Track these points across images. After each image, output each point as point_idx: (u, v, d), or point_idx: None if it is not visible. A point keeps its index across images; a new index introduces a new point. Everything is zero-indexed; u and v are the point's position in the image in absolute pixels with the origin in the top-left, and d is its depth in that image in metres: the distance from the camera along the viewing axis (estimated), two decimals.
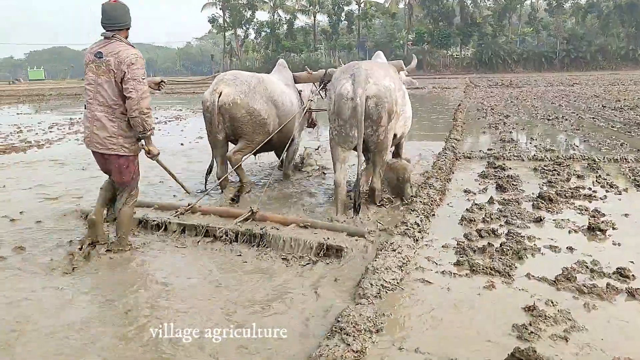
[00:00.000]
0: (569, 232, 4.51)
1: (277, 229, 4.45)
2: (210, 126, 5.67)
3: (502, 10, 65.07)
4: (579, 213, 5.04)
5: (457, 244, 4.15)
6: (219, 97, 5.50)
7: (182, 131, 13.21)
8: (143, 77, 3.91)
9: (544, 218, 4.82)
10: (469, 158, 8.14)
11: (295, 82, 6.82)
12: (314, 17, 73.72)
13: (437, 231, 4.60)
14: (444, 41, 67.31)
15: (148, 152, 4.24)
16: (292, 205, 5.65)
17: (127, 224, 4.33)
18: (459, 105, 17.12)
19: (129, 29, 4.05)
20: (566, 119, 13.09)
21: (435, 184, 5.93)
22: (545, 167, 7.13)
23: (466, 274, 3.60)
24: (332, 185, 5.43)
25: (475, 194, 5.91)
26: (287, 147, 6.20)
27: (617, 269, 3.60)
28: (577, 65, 61.57)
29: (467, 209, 5.18)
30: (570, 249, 4.05)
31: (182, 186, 5.86)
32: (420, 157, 8.22)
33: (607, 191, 5.88)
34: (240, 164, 5.87)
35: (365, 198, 5.47)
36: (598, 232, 4.38)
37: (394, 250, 3.83)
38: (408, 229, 4.33)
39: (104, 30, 3.97)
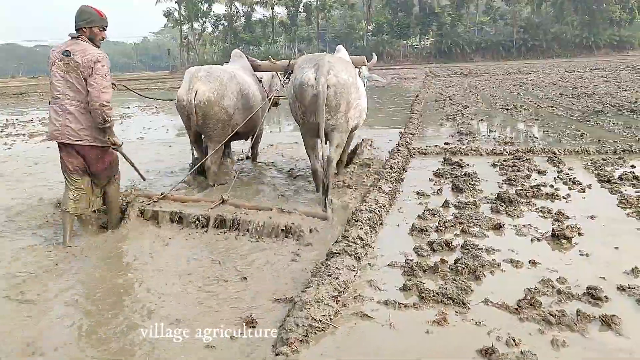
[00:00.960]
0: (532, 240, 3.98)
1: (246, 214, 4.62)
2: (188, 122, 5.70)
3: (460, 0, 65.41)
4: (542, 216, 4.54)
5: (405, 262, 3.56)
6: (195, 95, 5.50)
7: (124, 131, 12.29)
8: (106, 74, 4.18)
9: (503, 224, 4.28)
10: (424, 154, 7.61)
11: (259, 70, 6.87)
12: (272, 9, 72.49)
13: (383, 245, 4.01)
14: (403, 31, 67.31)
15: (112, 143, 4.36)
16: (259, 192, 5.88)
17: (116, 204, 4.70)
18: (417, 96, 16.68)
19: (90, 28, 4.26)
20: (525, 108, 12.77)
21: (384, 186, 5.34)
22: (504, 162, 6.65)
23: (414, 304, 3.00)
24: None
25: (429, 196, 5.35)
26: (254, 135, 6.68)
27: (587, 288, 3.07)
28: (534, 54, 62.54)
29: (419, 216, 4.62)
30: (534, 262, 3.52)
31: (141, 175, 5.14)
32: (372, 154, 7.63)
33: (570, 188, 5.42)
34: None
35: None
36: (563, 241, 3.86)
37: (330, 275, 3.21)
38: (349, 245, 3.71)
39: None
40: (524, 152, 7.29)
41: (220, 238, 4.42)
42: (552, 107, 12.91)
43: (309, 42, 74.28)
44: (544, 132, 9.24)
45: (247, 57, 6.99)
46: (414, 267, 3.45)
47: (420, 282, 3.23)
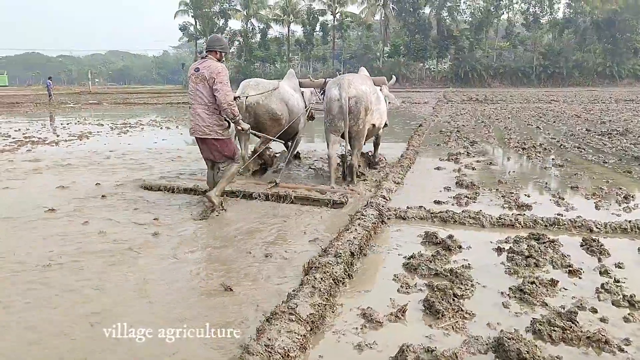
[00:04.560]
0: None
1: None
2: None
3: (479, 24, 63.38)
4: None
5: None
6: (246, 99, 6.78)
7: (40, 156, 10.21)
8: (227, 81, 5.42)
9: None
10: (403, 219, 5.37)
11: (301, 86, 8.02)
12: (288, 27, 71.16)
13: None
14: (420, 54, 65.42)
15: (242, 129, 5.83)
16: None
17: (229, 178, 5.74)
18: (420, 125, 14.45)
19: (220, 52, 5.58)
20: (545, 148, 10.48)
21: (307, 303, 3.10)
22: (515, 246, 4.38)
23: None
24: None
25: (381, 324, 3.10)
26: (293, 138, 7.86)
27: None
28: (554, 81, 60.22)
29: None
30: None
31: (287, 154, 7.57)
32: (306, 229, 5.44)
33: (626, 319, 3.15)
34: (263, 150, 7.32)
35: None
36: None
37: None
38: None
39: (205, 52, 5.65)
40: (545, 225, 5.04)
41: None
42: (579, 147, 10.60)
43: (324, 61, 72.59)
44: (571, 187, 6.92)
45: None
46: None
47: None
